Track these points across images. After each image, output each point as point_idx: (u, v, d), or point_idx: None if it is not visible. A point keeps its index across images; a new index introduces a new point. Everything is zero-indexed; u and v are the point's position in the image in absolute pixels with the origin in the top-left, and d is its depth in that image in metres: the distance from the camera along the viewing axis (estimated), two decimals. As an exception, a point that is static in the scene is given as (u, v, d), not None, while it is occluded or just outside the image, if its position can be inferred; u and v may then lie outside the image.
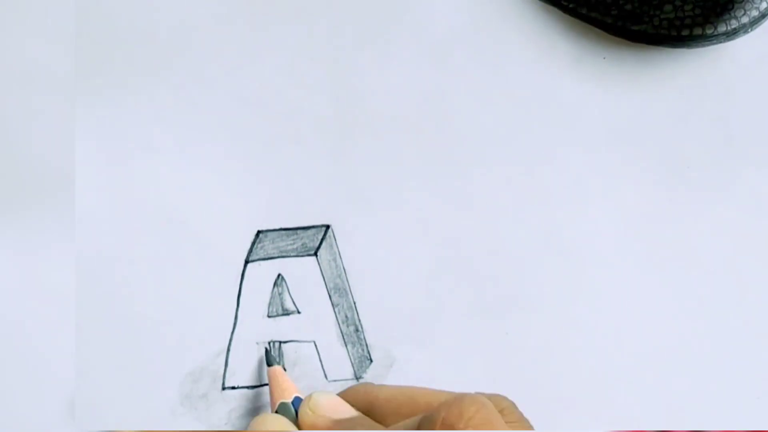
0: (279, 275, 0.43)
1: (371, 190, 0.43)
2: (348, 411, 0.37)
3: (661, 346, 0.44)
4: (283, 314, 0.43)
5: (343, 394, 0.38)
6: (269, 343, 0.42)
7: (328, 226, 0.43)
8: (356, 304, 0.43)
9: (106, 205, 0.43)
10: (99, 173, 0.43)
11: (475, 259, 0.43)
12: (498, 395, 0.35)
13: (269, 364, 0.42)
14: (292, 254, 0.43)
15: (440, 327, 0.43)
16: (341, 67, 0.44)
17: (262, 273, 0.43)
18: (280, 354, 0.43)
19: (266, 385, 0.42)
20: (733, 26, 0.43)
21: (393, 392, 0.37)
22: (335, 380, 0.43)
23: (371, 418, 0.37)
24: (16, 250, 0.39)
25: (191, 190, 0.43)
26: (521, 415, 0.35)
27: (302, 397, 0.39)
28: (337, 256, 0.43)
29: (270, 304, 0.43)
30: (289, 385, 0.40)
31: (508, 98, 0.44)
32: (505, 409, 0.34)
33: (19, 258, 0.39)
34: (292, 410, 0.39)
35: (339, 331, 0.43)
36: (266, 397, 0.42)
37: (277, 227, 0.43)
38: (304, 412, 0.37)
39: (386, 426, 0.36)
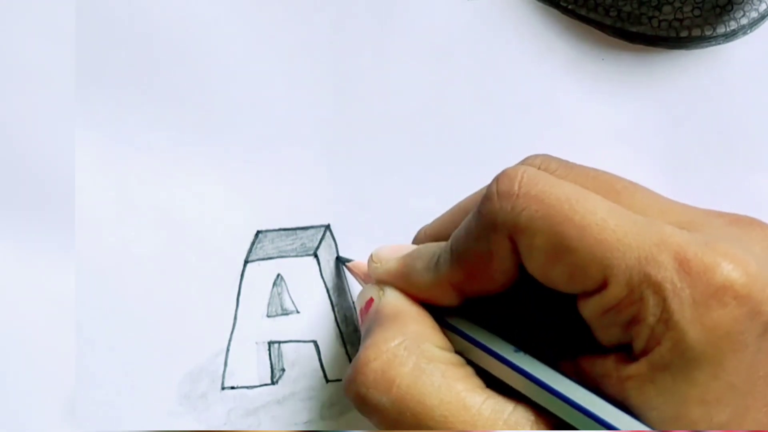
0: (278, 275, 0.43)
1: (371, 190, 0.43)
2: (409, 247, 0.37)
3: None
4: (282, 314, 0.43)
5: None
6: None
7: (327, 226, 0.43)
8: (355, 304, 0.43)
9: (106, 205, 0.43)
10: (99, 173, 0.43)
11: (474, 259, 0.43)
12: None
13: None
14: (291, 254, 0.43)
15: (439, 327, 0.43)
16: (341, 67, 0.44)
17: (262, 273, 0.43)
18: (279, 354, 0.43)
19: (265, 385, 0.42)
20: (732, 28, 0.43)
21: (440, 221, 0.38)
22: (335, 380, 0.43)
23: None
24: (16, 251, 0.39)
25: (191, 190, 0.43)
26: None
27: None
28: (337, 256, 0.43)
29: (269, 304, 0.43)
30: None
31: (507, 99, 0.44)
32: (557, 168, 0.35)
33: (19, 258, 0.38)
34: None
35: (338, 331, 0.43)
36: (265, 397, 0.42)
37: (277, 227, 0.43)
38: (374, 268, 0.37)
39: None
